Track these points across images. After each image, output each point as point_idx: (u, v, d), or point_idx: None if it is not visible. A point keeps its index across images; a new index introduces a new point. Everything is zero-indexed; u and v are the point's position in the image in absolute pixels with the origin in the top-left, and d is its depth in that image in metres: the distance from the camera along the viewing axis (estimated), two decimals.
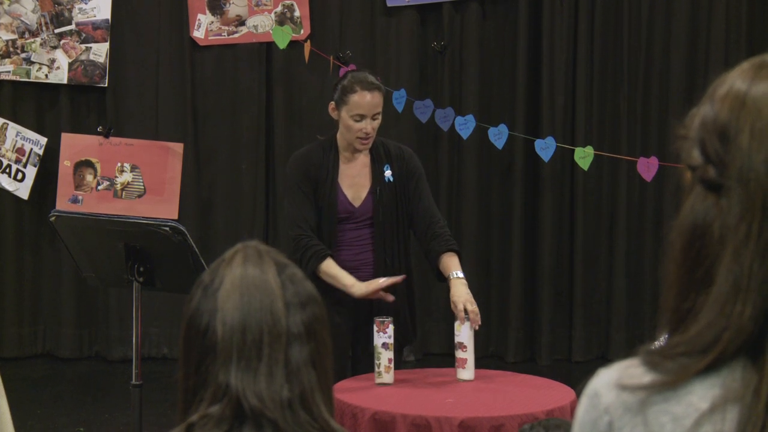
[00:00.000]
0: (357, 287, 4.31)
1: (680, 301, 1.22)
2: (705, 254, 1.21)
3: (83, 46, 7.28)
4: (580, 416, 1.27)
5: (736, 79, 1.24)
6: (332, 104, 4.48)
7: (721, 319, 1.18)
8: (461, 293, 4.31)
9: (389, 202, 4.44)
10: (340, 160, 4.47)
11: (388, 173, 4.46)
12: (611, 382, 1.24)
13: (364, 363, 4.44)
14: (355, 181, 4.46)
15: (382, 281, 4.29)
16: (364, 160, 4.49)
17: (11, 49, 7.25)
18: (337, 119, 4.46)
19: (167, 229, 3.89)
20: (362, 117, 4.35)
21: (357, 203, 4.45)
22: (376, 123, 4.40)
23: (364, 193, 4.46)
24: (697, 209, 1.23)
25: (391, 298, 4.31)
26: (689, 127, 1.27)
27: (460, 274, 4.37)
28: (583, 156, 7.07)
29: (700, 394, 1.19)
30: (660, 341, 1.26)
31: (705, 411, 1.17)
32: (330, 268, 4.33)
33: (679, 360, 1.20)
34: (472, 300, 4.32)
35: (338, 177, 4.45)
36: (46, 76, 7.28)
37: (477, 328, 4.31)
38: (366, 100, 4.35)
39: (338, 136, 4.49)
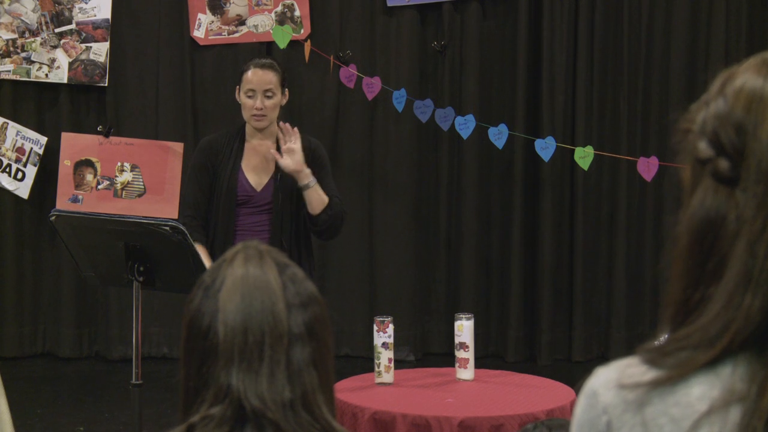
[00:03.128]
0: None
1: (689, 294, 1.22)
2: (718, 247, 1.20)
3: (83, 45, 7.27)
4: (578, 416, 1.26)
5: (749, 76, 1.24)
6: (237, 89, 4.70)
7: (730, 311, 1.17)
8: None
9: (289, 189, 4.59)
10: (246, 146, 4.67)
11: None
12: (610, 381, 1.24)
13: None
14: (259, 167, 4.66)
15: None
16: (269, 147, 4.66)
17: (11, 49, 7.25)
18: (240, 103, 4.68)
19: (167, 228, 3.89)
20: (253, 92, 4.58)
21: (258, 188, 4.63)
22: (270, 102, 4.60)
23: (266, 178, 4.64)
24: (708, 203, 1.22)
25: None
26: (693, 121, 1.27)
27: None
28: (583, 156, 7.07)
29: (698, 395, 1.18)
30: (660, 340, 1.26)
31: (704, 413, 1.17)
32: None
33: (682, 354, 1.19)
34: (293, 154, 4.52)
35: (241, 162, 4.65)
36: (47, 75, 7.28)
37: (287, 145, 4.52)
38: (256, 75, 4.60)
39: (246, 124, 4.70)
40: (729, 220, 1.20)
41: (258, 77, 4.59)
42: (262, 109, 4.58)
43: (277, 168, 4.61)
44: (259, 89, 4.58)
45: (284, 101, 4.69)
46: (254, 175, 4.64)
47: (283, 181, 4.59)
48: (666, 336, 1.24)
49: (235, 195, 4.60)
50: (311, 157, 4.65)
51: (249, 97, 4.59)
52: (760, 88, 1.22)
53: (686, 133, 1.27)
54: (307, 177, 4.50)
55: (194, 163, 4.71)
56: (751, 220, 1.18)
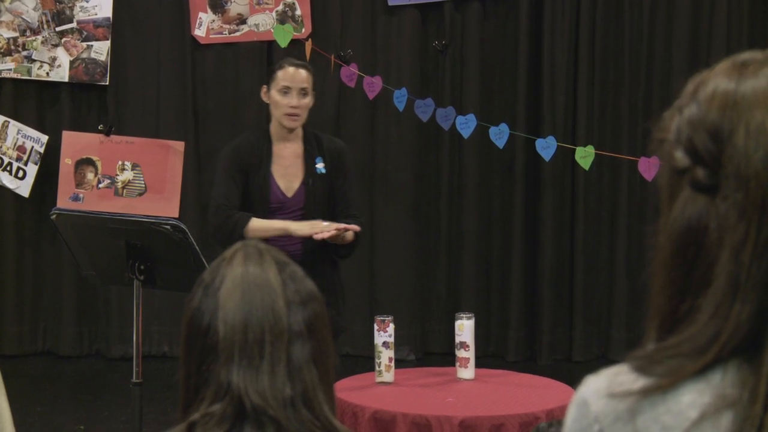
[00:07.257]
0: (297, 226, 4.38)
1: (676, 304, 1.21)
2: (703, 256, 1.19)
3: (84, 44, 7.28)
4: (569, 425, 1.25)
5: (720, 80, 1.22)
6: (264, 88, 4.60)
7: (719, 320, 1.16)
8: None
9: (320, 193, 4.52)
10: (273, 150, 4.55)
11: (320, 165, 4.55)
12: (600, 390, 1.22)
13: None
14: (287, 171, 4.55)
15: (328, 224, 4.37)
16: (296, 151, 4.57)
17: (12, 47, 7.25)
18: (269, 102, 4.57)
19: (168, 227, 3.89)
20: (288, 89, 4.48)
21: (289, 193, 4.53)
22: (304, 102, 4.51)
23: (296, 183, 4.54)
24: (689, 212, 1.20)
25: (350, 236, 4.42)
26: (667, 130, 1.25)
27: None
28: (584, 155, 7.07)
29: (689, 402, 1.17)
30: (648, 348, 1.25)
31: (695, 420, 1.16)
32: (259, 222, 4.43)
33: (672, 362, 1.18)
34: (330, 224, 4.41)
35: (271, 167, 4.53)
36: (48, 74, 7.28)
37: (322, 236, 4.37)
38: (291, 73, 4.50)
39: (271, 127, 4.58)
40: (711, 229, 1.18)
41: (293, 74, 4.49)
42: (297, 107, 4.47)
43: (307, 171, 4.51)
44: (294, 86, 4.47)
45: (311, 104, 4.58)
46: (284, 180, 4.52)
47: (314, 186, 4.49)
48: (652, 345, 1.23)
49: (269, 203, 4.48)
50: (337, 163, 4.55)
51: (284, 93, 4.47)
52: (733, 92, 1.20)
53: (661, 142, 1.25)
54: (344, 233, 4.38)
55: (226, 165, 4.54)
56: (733, 229, 1.16)
